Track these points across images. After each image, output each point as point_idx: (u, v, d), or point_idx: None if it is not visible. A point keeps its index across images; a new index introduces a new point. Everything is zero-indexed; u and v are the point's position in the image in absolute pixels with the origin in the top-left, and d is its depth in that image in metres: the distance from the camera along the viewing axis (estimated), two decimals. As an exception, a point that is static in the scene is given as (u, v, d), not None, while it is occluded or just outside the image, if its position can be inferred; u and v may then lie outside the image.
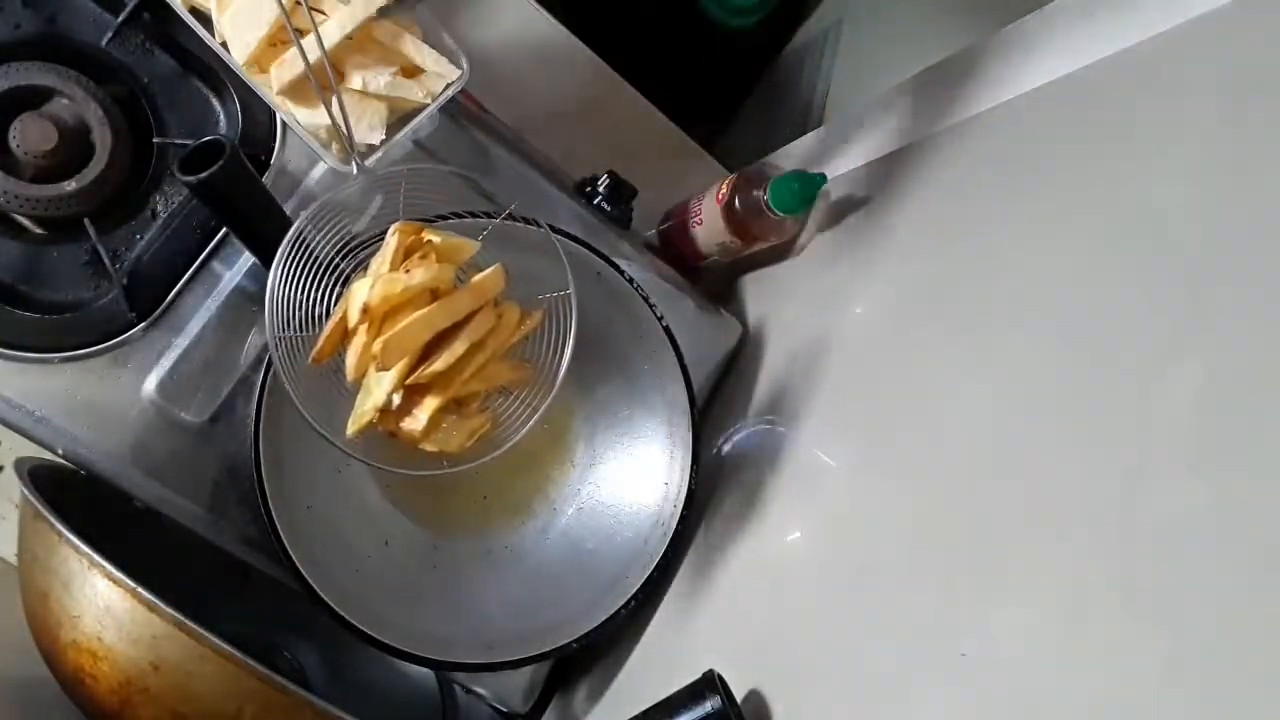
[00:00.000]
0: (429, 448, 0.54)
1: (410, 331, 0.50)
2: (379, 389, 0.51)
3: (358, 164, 0.57)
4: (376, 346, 0.50)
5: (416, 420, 0.52)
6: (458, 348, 0.52)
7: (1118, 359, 0.41)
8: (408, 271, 0.51)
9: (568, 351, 0.57)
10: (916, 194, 0.66)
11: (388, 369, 0.50)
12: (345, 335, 0.52)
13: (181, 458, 0.64)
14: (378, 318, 0.51)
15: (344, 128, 0.56)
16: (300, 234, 0.54)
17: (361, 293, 0.51)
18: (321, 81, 0.56)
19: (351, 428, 0.53)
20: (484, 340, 0.53)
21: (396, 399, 0.52)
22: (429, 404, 0.52)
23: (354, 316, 0.51)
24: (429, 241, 0.54)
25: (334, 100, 0.56)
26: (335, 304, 0.55)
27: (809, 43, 1.16)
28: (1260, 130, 0.40)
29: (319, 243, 0.55)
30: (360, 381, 0.52)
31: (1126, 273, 0.44)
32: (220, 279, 0.65)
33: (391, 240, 0.53)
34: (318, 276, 0.55)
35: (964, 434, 0.49)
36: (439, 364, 0.51)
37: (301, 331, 0.54)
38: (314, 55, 0.55)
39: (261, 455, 0.62)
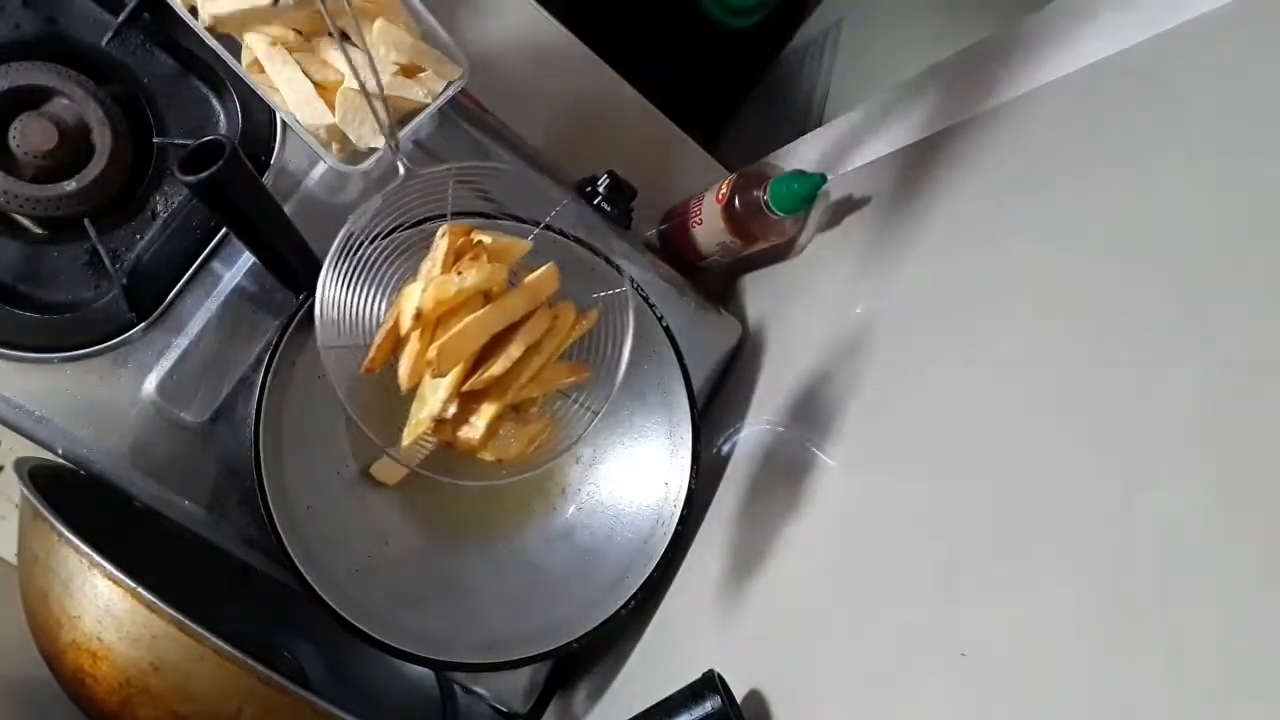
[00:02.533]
0: (487, 456, 0.51)
1: (465, 335, 0.48)
2: (434, 397, 0.49)
3: (407, 167, 0.54)
4: (432, 352, 0.48)
5: (474, 428, 0.50)
6: (514, 351, 0.50)
7: (1118, 359, 0.41)
8: (460, 274, 0.49)
9: (626, 350, 0.55)
10: (916, 194, 0.66)
11: (444, 375, 0.48)
12: (398, 342, 0.50)
13: (181, 458, 0.64)
14: (430, 323, 0.49)
15: (392, 133, 0.55)
16: (348, 239, 0.52)
17: (414, 297, 0.49)
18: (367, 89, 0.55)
19: (407, 438, 0.51)
20: (540, 342, 0.51)
21: (452, 407, 0.50)
22: (487, 410, 0.50)
23: (406, 322, 0.49)
24: (479, 242, 0.52)
25: (380, 104, 0.55)
26: (385, 311, 0.52)
27: (809, 43, 1.16)
28: (1260, 130, 0.40)
29: (366, 248, 0.53)
30: (414, 390, 0.50)
31: (1126, 273, 0.44)
32: (220, 279, 0.65)
33: (441, 243, 0.51)
34: (366, 283, 0.53)
35: (964, 434, 0.49)
36: (496, 368, 0.49)
37: (350, 341, 0.52)
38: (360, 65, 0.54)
39: (261, 455, 0.62)
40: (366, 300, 0.54)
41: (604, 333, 0.56)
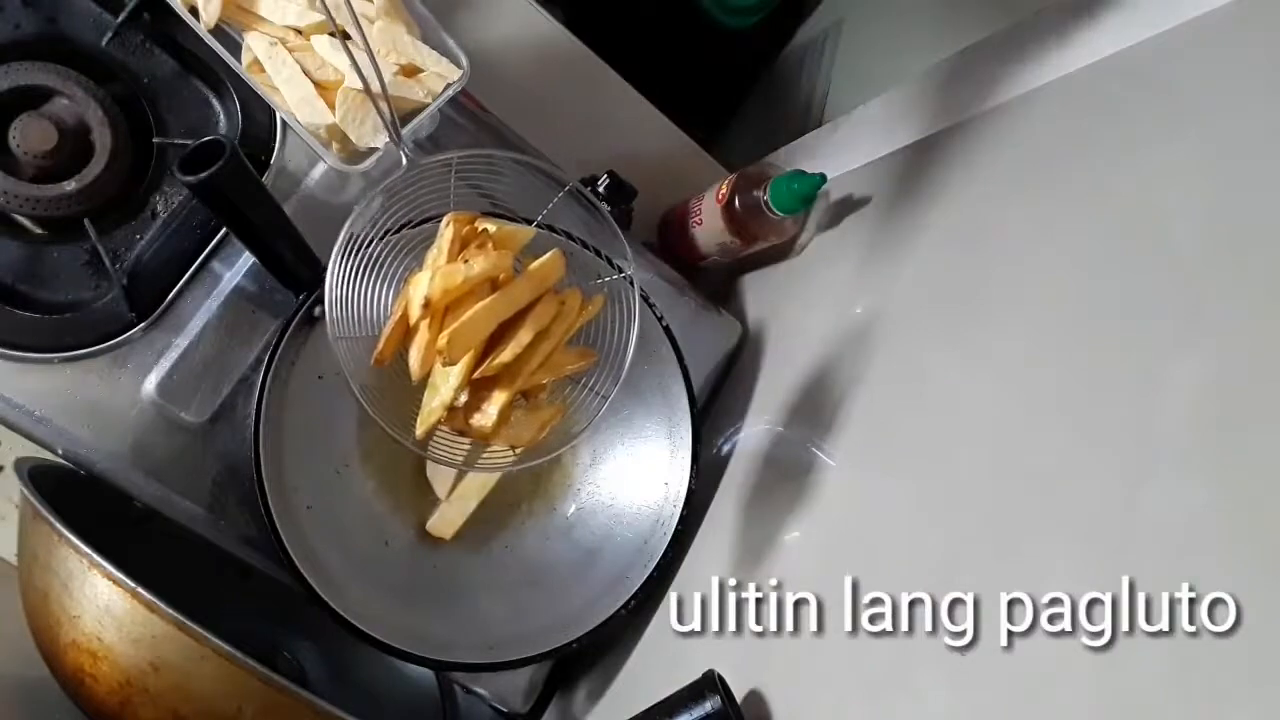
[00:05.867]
0: (500, 444, 0.52)
1: (474, 323, 0.48)
2: (446, 385, 0.49)
3: (408, 157, 0.54)
4: (442, 341, 0.48)
5: (486, 415, 0.50)
6: (523, 337, 0.50)
7: (1118, 358, 0.41)
8: (466, 262, 0.49)
9: (633, 334, 0.55)
10: (916, 194, 0.66)
11: (454, 363, 0.48)
12: (407, 332, 0.50)
13: (181, 458, 0.64)
14: (439, 311, 0.49)
15: (394, 125, 0.55)
16: (353, 233, 0.53)
17: (421, 287, 0.49)
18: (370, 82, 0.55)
19: (420, 428, 0.51)
20: (549, 328, 0.51)
21: (464, 395, 0.50)
22: (498, 397, 0.50)
23: (415, 311, 0.49)
24: (484, 230, 0.52)
25: (384, 101, 0.55)
26: (393, 302, 0.53)
27: (809, 43, 1.15)
28: (1260, 130, 0.40)
29: (372, 241, 0.53)
30: (425, 379, 0.51)
31: (1127, 272, 0.44)
32: (220, 279, 0.65)
33: (446, 231, 0.51)
34: (373, 275, 0.53)
35: (964, 433, 0.49)
36: (506, 354, 0.49)
37: (358, 332, 0.52)
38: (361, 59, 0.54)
39: (261, 455, 0.62)
40: (374, 292, 0.54)
41: (608, 318, 0.56)
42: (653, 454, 0.72)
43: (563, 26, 0.89)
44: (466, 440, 0.53)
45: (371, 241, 0.54)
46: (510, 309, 0.50)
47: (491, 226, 0.52)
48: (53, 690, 0.55)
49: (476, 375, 0.49)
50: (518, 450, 0.53)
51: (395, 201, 0.55)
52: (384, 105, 0.55)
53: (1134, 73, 0.50)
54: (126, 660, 0.50)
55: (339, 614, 0.62)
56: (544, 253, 0.53)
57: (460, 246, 0.51)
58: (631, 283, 0.56)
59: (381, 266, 0.54)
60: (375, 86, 0.54)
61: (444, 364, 0.49)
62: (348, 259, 0.53)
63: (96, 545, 0.51)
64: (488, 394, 0.50)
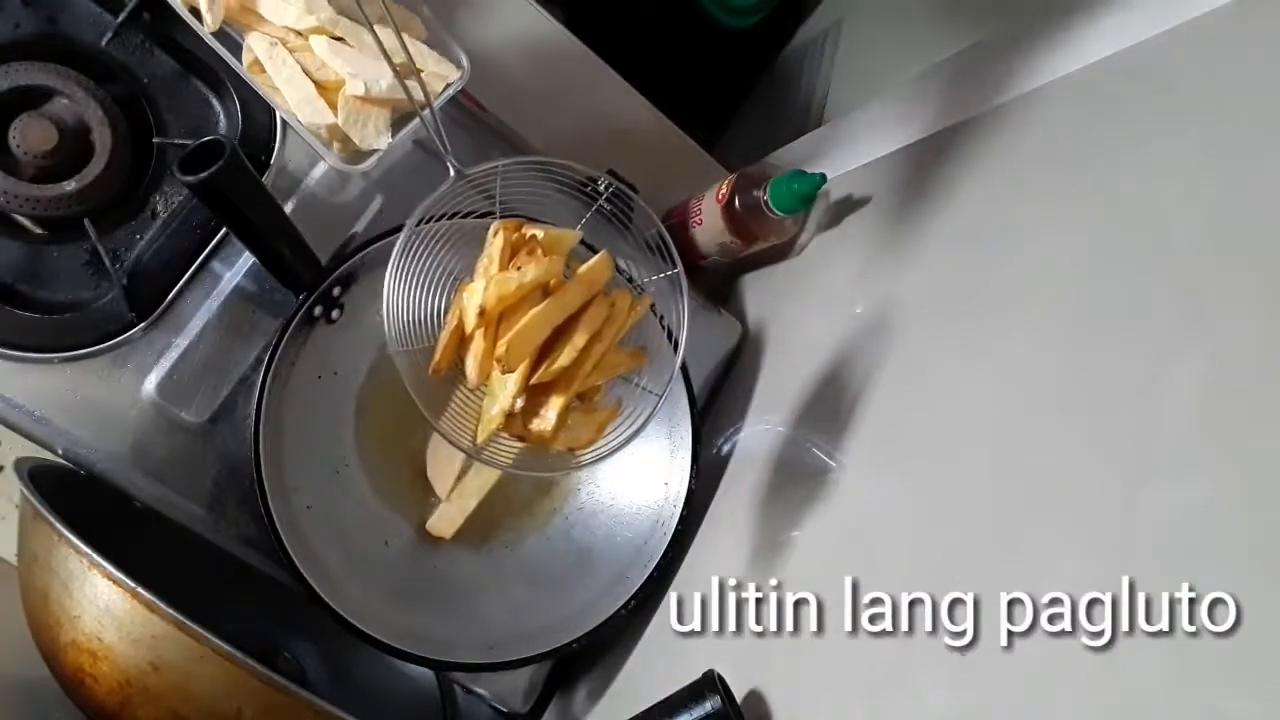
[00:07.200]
0: (559, 446, 0.52)
1: (530, 330, 0.49)
2: (504, 392, 0.50)
3: (456, 168, 0.55)
4: (500, 348, 0.48)
5: (545, 420, 0.51)
6: (578, 340, 0.50)
7: (1119, 357, 0.41)
8: (519, 269, 0.50)
9: (684, 332, 0.55)
10: (916, 194, 0.66)
11: (513, 370, 0.49)
12: (462, 341, 0.51)
13: (181, 458, 0.64)
14: (493, 320, 0.50)
15: (440, 137, 0.55)
16: (409, 242, 0.53)
17: (476, 296, 0.50)
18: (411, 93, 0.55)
19: (481, 435, 0.52)
20: (601, 330, 0.52)
21: (521, 401, 0.51)
22: (556, 402, 0.51)
23: (471, 321, 0.50)
24: (532, 236, 0.52)
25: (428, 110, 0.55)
26: (445, 310, 0.53)
27: (809, 43, 1.15)
28: (1260, 130, 0.40)
29: (421, 250, 0.54)
30: (484, 386, 0.51)
31: (1127, 272, 0.44)
32: (220, 279, 0.65)
33: (496, 240, 0.52)
34: (424, 283, 0.54)
35: (964, 433, 0.49)
36: (563, 359, 0.50)
37: (413, 344, 0.53)
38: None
39: (261, 455, 0.62)
40: (425, 299, 0.54)
41: (654, 317, 0.56)
42: (653, 454, 0.72)
43: (563, 26, 0.89)
44: (520, 444, 0.53)
45: (421, 253, 0.54)
46: (563, 314, 0.51)
47: (539, 232, 0.53)
48: (53, 690, 0.55)
49: (533, 381, 0.50)
50: (578, 452, 0.53)
51: (443, 213, 0.55)
52: (428, 115, 0.55)
53: (1134, 72, 0.50)
54: (126, 660, 0.50)
55: (339, 614, 0.62)
56: (588, 256, 0.53)
57: (511, 253, 0.52)
58: (680, 279, 0.56)
59: (431, 275, 0.55)
60: (419, 96, 0.55)
61: (502, 371, 0.49)
62: (401, 272, 0.53)
63: (96, 545, 0.51)
64: (545, 398, 0.51)
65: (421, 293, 0.54)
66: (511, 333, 0.49)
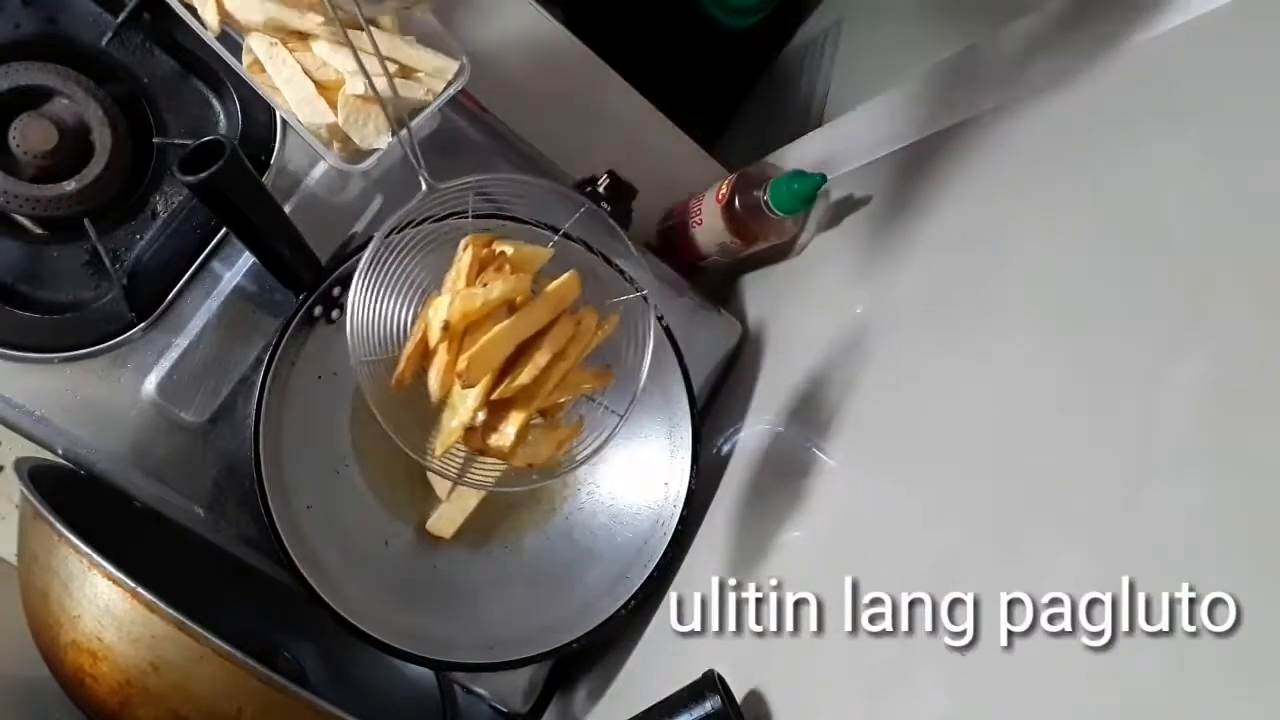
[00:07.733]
0: (518, 462, 0.52)
1: (493, 346, 0.49)
2: (464, 406, 0.50)
3: (428, 183, 0.55)
4: (461, 363, 0.48)
5: (504, 435, 0.51)
6: (540, 359, 0.50)
7: (1118, 358, 0.41)
8: (485, 285, 0.50)
9: (649, 352, 0.56)
10: (916, 194, 0.66)
11: (474, 385, 0.49)
12: (425, 354, 0.51)
13: (181, 458, 0.64)
14: (458, 334, 0.50)
15: (414, 152, 0.55)
16: (376, 253, 0.53)
17: (440, 310, 0.50)
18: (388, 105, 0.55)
19: (439, 448, 0.52)
20: (565, 349, 0.52)
21: (481, 415, 0.51)
22: (516, 418, 0.51)
23: (435, 335, 0.50)
24: (502, 253, 0.52)
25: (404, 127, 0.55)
26: (411, 320, 0.53)
27: (809, 43, 1.15)
28: (1260, 130, 0.40)
29: (389, 260, 0.54)
30: (445, 400, 0.51)
31: (1127, 272, 0.44)
32: (220, 279, 0.65)
33: (465, 254, 0.52)
34: (391, 293, 0.54)
35: (964, 433, 0.49)
36: (524, 376, 0.50)
37: (378, 354, 0.53)
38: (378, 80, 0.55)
39: (261, 455, 0.62)
40: (393, 310, 0.54)
41: (622, 336, 0.56)
42: (653, 454, 0.72)
43: (563, 26, 0.89)
44: (488, 459, 0.54)
45: (389, 263, 0.54)
46: (528, 330, 0.51)
47: (509, 249, 0.53)
48: (53, 690, 0.55)
49: (495, 396, 0.50)
50: (534, 468, 0.53)
51: (414, 222, 0.55)
52: (406, 135, 0.55)
53: (1134, 72, 0.50)
54: (126, 660, 0.50)
55: (339, 614, 0.62)
56: (560, 270, 0.53)
57: (479, 269, 0.52)
58: (646, 301, 0.56)
59: (399, 285, 0.55)
60: (398, 114, 0.55)
61: (463, 386, 0.49)
62: (367, 282, 0.53)
63: (96, 545, 0.51)
64: (505, 414, 0.51)
65: (389, 304, 0.54)
66: (474, 348, 0.49)
